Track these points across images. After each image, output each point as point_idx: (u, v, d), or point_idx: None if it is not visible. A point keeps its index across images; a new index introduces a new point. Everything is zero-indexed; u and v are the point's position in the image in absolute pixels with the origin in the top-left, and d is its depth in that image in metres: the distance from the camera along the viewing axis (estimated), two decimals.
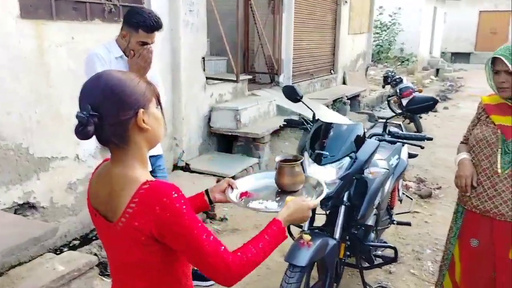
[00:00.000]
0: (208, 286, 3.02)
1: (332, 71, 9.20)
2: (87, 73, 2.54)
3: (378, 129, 2.93)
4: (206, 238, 1.16)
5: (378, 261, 2.99)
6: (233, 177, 4.68)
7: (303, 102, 2.75)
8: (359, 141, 2.44)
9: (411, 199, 4.08)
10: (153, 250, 1.16)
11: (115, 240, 1.20)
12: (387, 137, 2.50)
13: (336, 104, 7.81)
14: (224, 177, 4.63)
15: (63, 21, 3.40)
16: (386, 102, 9.29)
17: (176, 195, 1.12)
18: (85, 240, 3.71)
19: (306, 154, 2.46)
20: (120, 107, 1.14)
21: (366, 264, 2.92)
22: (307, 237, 2.25)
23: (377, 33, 15.34)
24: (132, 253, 1.17)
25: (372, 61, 13.25)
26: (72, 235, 3.66)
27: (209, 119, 5.26)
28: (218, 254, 1.16)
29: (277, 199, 1.65)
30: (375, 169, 2.39)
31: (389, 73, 8.53)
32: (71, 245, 3.59)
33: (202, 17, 4.98)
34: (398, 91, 7.80)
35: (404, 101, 7.56)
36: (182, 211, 1.12)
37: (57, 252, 3.36)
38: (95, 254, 3.32)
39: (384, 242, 3.16)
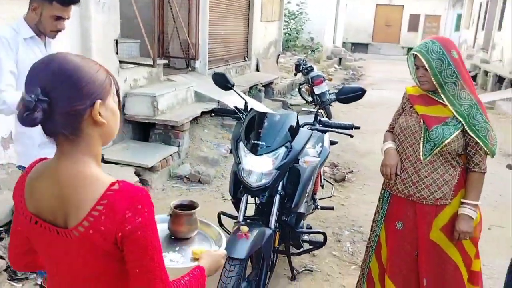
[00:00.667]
0: None
1: (246, 57, 9.22)
2: None
3: (306, 119, 2.98)
4: (162, 260, 1.07)
5: (306, 246, 3.08)
6: (152, 168, 4.50)
7: (234, 90, 2.70)
8: (293, 130, 2.46)
9: (332, 184, 4.28)
10: (116, 260, 1.04)
11: (66, 250, 1.04)
12: (318, 127, 2.56)
13: (252, 91, 7.87)
14: (142, 167, 4.45)
15: None
16: (298, 89, 9.59)
17: (148, 201, 1.02)
18: None
19: (241, 144, 2.42)
20: (75, 95, 1.00)
21: (296, 250, 2.99)
22: (244, 228, 2.23)
23: (286, 21, 15.70)
24: (89, 264, 1.04)
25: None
26: None
27: (123, 105, 4.96)
28: (166, 281, 1.07)
29: (177, 249, 1.59)
30: (309, 158, 2.44)
31: (301, 62, 8.78)
32: None
33: None
34: (310, 79, 8.06)
35: (316, 89, 7.84)
36: (153, 222, 1.03)
37: None
38: (1, 257, 2.97)
39: (310, 228, 3.27)
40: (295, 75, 9.72)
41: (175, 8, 6.15)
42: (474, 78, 13.10)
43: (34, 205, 1.08)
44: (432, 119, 2.22)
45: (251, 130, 2.45)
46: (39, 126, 1.02)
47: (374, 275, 2.52)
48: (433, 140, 2.19)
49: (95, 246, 1.01)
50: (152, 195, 4.31)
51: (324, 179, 3.95)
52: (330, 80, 8.36)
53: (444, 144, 2.16)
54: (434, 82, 2.14)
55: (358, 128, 2.62)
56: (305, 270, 3.26)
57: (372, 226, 2.58)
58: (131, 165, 4.45)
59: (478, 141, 2.13)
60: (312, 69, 8.40)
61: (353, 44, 24.42)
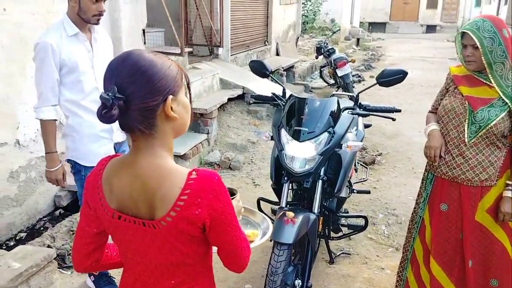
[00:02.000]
0: None
1: (266, 42, 9.17)
2: (38, 62, 2.29)
3: (342, 102, 2.97)
4: (241, 230, 1.17)
5: (345, 230, 3.11)
6: (184, 155, 4.56)
7: (272, 77, 2.71)
8: (334, 115, 2.46)
9: (366, 167, 4.27)
10: (199, 241, 1.11)
11: (152, 240, 1.09)
12: (360, 111, 2.55)
13: (274, 76, 7.83)
14: (175, 156, 4.51)
15: None
16: (319, 72, 9.52)
17: (223, 185, 1.10)
18: (32, 231, 3.42)
19: (283, 130, 2.44)
20: (148, 91, 1.03)
21: (335, 235, 3.02)
22: (290, 214, 2.27)
23: (303, 3, 15.51)
24: (176, 249, 1.10)
25: None
26: (18, 227, 3.35)
27: None
28: (248, 248, 1.18)
29: None
30: (352, 143, 2.44)
31: (322, 44, 8.70)
32: (17, 238, 3.29)
33: None
34: (332, 61, 7.99)
35: (339, 72, 7.77)
36: (230, 200, 1.11)
37: (4, 247, 3.06)
38: (49, 246, 3.08)
39: (347, 212, 3.29)
40: (317, 57, 9.64)
41: None
42: None
43: (115, 201, 1.12)
44: (477, 100, 2.19)
45: (292, 117, 2.47)
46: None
47: (418, 257, 2.53)
48: (478, 122, 2.16)
49: (182, 233, 1.07)
50: None
51: (358, 162, 3.96)
52: (353, 61, 8.27)
53: (489, 126, 2.13)
54: (484, 62, 2.10)
55: (399, 111, 2.60)
56: (343, 253, 3.30)
57: (414, 208, 2.58)
58: None
59: None
60: (333, 51, 8.32)
61: (370, 23, 23.97)
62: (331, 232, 3.02)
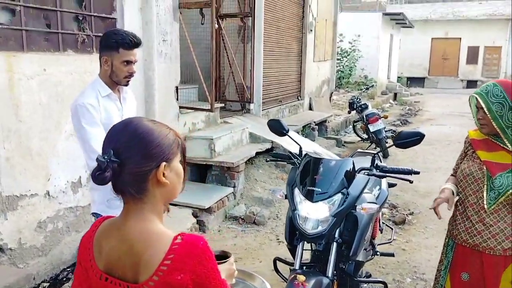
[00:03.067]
0: None
1: (299, 97, 9.33)
2: (80, 121, 2.33)
3: (362, 161, 2.94)
4: None
5: None
6: (209, 209, 4.59)
7: (289, 136, 2.74)
8: (349, 176, 2.44)
9: (392, 228, 4.13)
10: None
11: None
12: (376, 172, 2.52)
13: (305, 130, 7.90)
14: (199, 209, 4.55)
15: (34, 52, 3.26)
16: (352, 127, 9.52)
17: (209, 249, 1.10)
18: (55, 282, 3.48)
19: (296, 190, 2.43)
20: (143, 157, 1.10)
21: None
22: (301, 277, 2.21)
23: (338, 59, 15.81)
24: None
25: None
26: (41, 277, 3.42)
27: None
28: None
29: None
30: (367, 205, 2.39)
31: (355, 99, 8.76)
32: None
33: (175, 46, 4.94)
34: (364, 117, 7.99)
35: (371, 127, 7.75)
36: (215, 265, 1.11)
37: None
38: None
39: (369, 275, 3.15)
40: (349, 112, 9.69)
41: (231, 54, 6.41)
42: None
43: (103, 263, 1.15)
44: (495, 166, 2.13)
45: (306, 176, 2.46)
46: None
47: None
48: (497, 189, 2.09)
49: None
50: (208, 237, 4.40)
51: (383, 222, 3.83)
52: (385, 117, 8.23)
53: (509, 192, 2.06)
54: (495, 127, 2.07)
55: (418, 173, 2.54)
56: None
57: (436, 275, 2.46)
58: (189, 206, 4.57)
59: None
60: (366, 107, 8.33)
61: (408, 78, 23.97)
62: None
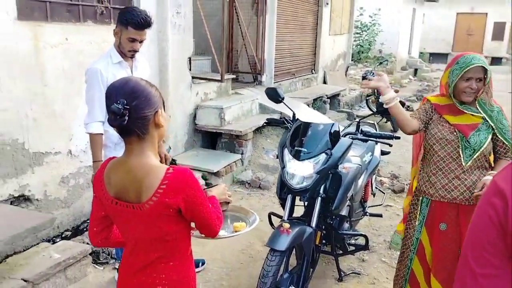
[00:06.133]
0: (198, 271, 3.30)
1: (313, 70, 9.48)
2: (88, 84, 2.73)
3: (353, 128, 3.20)
4: (208, 205, 1.52)
5: (352, 249, 3.27)
6: (217, 173, 4.93)
7: (284, 103, 2.99)
8: (335, 139, 2.70)
9: (384, 193, 4.39)
10: (175, 221, 1.45)
11: (139, 219, 1.44)
12: (359, 136, 2.77)
13: (317, 103, 8.10)
14: (208, 172, 4.89)
15: (57, 22, 3.57)
16: (365, 101, 9.64)
17: (193, 177, 1.44)
18: (76, 231, 3.90)
19: (286, 150, 2.71)
20: (146, 105, 1.41)
21: (341, 252, 3.19)
22: (286, 225, 2.52)
23: (358, 33, 15.72)
24: (156, 227, 1.43)
25: (352, 60, 13.61)
26: (65, 226, 3.84)
27: (195, 116, 5.48)
28: (216, 214, 1.56)
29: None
30: (348, 165, 2.66)
31: (368, 74, 8.84)
32: (63, 235, 3.77)
33: (188, 19, 5.18)
34: (375, 91, 8.11)
35: (381, 100, 7.87)
36: (200, 187, 1.45)
37: (51, 242, 3.54)
38: (87, 244, 3.52)
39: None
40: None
41: (244, 27, 6.62)
42: None
43: (113, 190, 1.48)
44: (466, 127, 2.40)
45: (296, 138, 2.74)
46: (115, 134, 1.44)
47: (418, 276, 2.66)
48: (473, 146, 2.37)
49: (161, 215, 1.42)
50: None
51: (376, 187, 4.10)
52: (396, 92, 8.29)
53: (483, 148, 2.34)
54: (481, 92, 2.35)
55: (398, 138, 2.77)
56: (353, 273, 3.44)
57: (408, 231, 2.71)
58: (199, 170, 4.92)
59: (506, 143, 2.37)
60: None
61: (431, 54, 23.57)
62: (339, 250, 3.20)
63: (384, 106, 2.46)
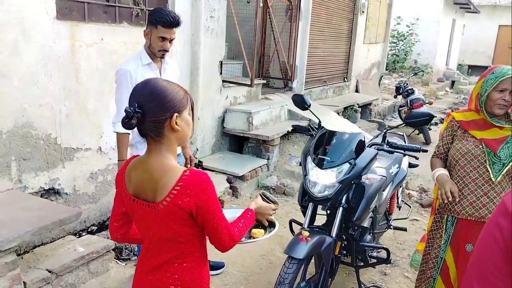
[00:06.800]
0: (217, 274, 3.32)
1: (345, 78, 9.39)
2: (118, 84, 2.80)
3: (380, 139, 3.14)
4: (224, 218, 1.50)
5: (373, 262, 3.21)
6: (242, 177, 4.94)
7: (310, 111, 2.98)
8: (360, 149, 2.66)
9: (410, 206, 4.28)
10: (188, 224, 1.45)
11: (154, 218, 1.46)
12: (385, 147, 2.72)
13: (347, 111, 8.01)
14: (233, 176, 4.91)
15: (94, 23, 3.69)
16: (397, 112, 9.47)
17: (210, 182, 1.43)
18: (102, 226, 3.99)
19: (309, 158, 2.69)
20: (159, 109, 1.42)
21: (361, 264, 3.13)
22: (305, 233, 2.49)
23: (394, 42, 15.48)
24: (169, 228, 1.44)
25: (387, 70, 13.40)
26: (91, 221, 3.94)
27: (223, 120, 5.53)
28: (229, 230, 1.52)
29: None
30: (372, 176, 2.61)
31: (401, 84, 8.71)
32: (89, 230, 3.87)
33: (221, 23, 5.24)
34: (408, 102, 7.97)
35: None
36: (215, 195, 1.45)
37: (77, 236, 3.64)
38: (109, 238, 3.60)
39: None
40: (395, 97, 9.63)
41: (277, 33, 6.63)
42: None
43: (132, 188, 1.51)
44: (493, 142, 2.31)
45: (320, 146, 2.71)
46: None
47: None
48: (502, 160, 2.27)
49: (175, 216, 1.43)
50: (240, 202, 4.77)
51: (402, 200, 4.00)
52: (430, 104, 8.15)
53: None
54: None
55: (426, 151, 2.71)
56: (373, 286, 3.37)
57: (430, 250, 2.62)
58: (225, 173, 4.95)
59: None
60: (412, 92, 8.29)
61: (470, 66, 22.88)
62: (359, 262, 3.14)
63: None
